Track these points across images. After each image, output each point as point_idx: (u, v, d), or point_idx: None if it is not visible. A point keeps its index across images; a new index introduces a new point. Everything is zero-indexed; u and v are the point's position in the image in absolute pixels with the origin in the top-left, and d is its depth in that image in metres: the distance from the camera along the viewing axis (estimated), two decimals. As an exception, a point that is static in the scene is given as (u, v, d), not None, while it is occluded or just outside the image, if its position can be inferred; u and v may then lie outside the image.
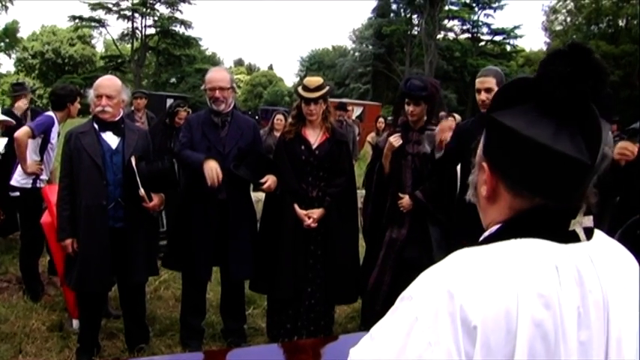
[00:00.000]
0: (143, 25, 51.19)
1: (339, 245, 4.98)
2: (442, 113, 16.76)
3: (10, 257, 6.84)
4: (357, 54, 55.77)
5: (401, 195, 4.91)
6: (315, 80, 4.99)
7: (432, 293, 1.11)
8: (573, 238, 1.20)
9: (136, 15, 50.43)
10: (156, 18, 51.27)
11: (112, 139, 4.62)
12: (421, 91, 4.79)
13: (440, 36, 46.91)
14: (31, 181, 5.99)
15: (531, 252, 1.14)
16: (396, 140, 4.90)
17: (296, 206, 4.88)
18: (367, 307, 5.24)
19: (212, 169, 4.61)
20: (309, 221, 4.85)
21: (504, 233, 1.21)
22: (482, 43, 50.42)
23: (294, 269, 4.89)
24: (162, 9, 50.93)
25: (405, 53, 48.83)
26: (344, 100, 25.46)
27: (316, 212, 4.89)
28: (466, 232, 1.54)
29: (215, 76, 4.94)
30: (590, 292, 1.15)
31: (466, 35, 50.15)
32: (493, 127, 1.22)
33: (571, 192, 1.16)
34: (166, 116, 8.07)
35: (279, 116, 9.36)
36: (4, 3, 42.03)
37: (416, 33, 47.72)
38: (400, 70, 45.34)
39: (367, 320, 5.07)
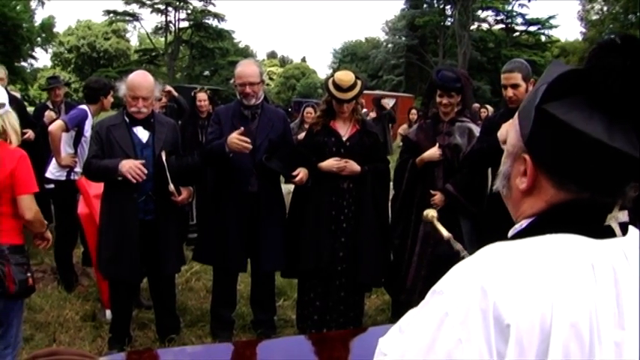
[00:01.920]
0: (176, 18, 51.57)
1: (369, 227, 4.94)
2: (475, 105, 16.69)
3: (45, 248, 6.94)
4: (389, 46, 55.50)
5: (432, 192, 4.85)
6: (347, 79, 4.84)
7: (464, 288, 1.09)
8: (609, 233, 1.16)
9: (170, 8, 50.77)
10: (189, 11, 51.58)
11: (142, 133, 4.67)
12: (454, 83, 4.73)
13: (473, 27, 46.45)
14: (65, 174, 6.08)
15: (567, 249, 1.12)
16: (436, 153, 4.88)
17: (326, 162, 4.88)
18: (398, 299, 5.22)
19: (234, 138, 4.57)
20: (341, 163, 4.84)
21: (538, 227, 1.18)
22: (517, 34, 49.81)
23: (318, 241, 4.87)
24: (196, 2, 51.27)
25: (438, 44, 48.49)
26: (377, 92, 25.38)
27: (351, 162, 4.86)
28: (497, 225, 1.52)
29: (245, 70, 4.94)
30: (625, 291, 1.12)
31: (500, 26, 49.58)
32: (544, 120, 1.16)
33: (619, 187, 1.14)
34: (191, 105, 8.18)
35: (309, 109, 9.37)
36: (40, -1, 42.56)
37: (449, 24, 47.30)
38: (433, 62, 44.96)
39: (397, 312, 5.05)
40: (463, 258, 1.21)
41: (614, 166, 1.10)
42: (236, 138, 4.55)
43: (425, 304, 1.16)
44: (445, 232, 2.41)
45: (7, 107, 3.59)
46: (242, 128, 4.59)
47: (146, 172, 4.44)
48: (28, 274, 3.62)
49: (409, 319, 1.21)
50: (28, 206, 3.56)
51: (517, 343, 1.02)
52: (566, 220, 1.15)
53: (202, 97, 8.07)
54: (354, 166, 4.86)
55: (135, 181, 4.40)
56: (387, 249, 5.16)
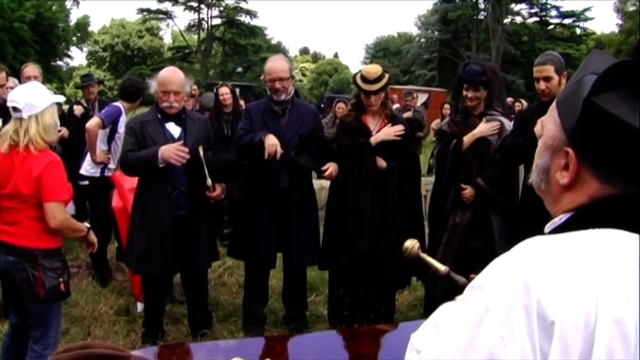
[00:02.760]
0: (209, 15, 51.80)
1: (397, 221, 4.91)
2: (509, 99, 16.50)
3: (80, 243, 7.04)
4: (422, 40, 55.20)
5: (463, 185, 4.82)
6: (374, 71, 4.88)
7: (506, 283, 1.05)
8: None
9: (202, 6, 51.03)
10: (221, 8, 51.77)
11: (174, 129, 4.71)
12: (480, 76, 4.69)
13: (507, 20, 45.93)
14: (99, 170, 6.16)
15: (611, 244, 1.09)
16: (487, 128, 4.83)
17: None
18: (430, 295, 5.19)
19: (272, 144, 4.59)
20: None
21: (579, 222, 1.15)
22: (551, 27, 49.10)
23: (364, 224, 4.84)
24: (228, -1, 51.44)
25: (471, 38, 48.06)
26: (409, 87, 25.23)
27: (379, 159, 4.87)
28: (531, 220, 1.48)
29: (274, 66, 4.95)
30: None
31: (534, 19, 48.90)
32: (592, 112, 1.12)
33: None
34: (215, 100, 8.24)
35: (341, 104, 9.37)
36: (75, -1, 43.12)
37: (482, 18, 46.84)
38: (467, 56, 44.53)
39: (430, 309, 5.02)
40: (464, 287, 1.17)
41: None
42: (274, 145, 4.59)
43: (463, 300, 1.13)
44: (441, 266, 2.30)
45: (35, 109, 3.57)
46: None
47: (187, 152, 4.47)
48: (61, 280, 3.61)
49: (445, 314, 1.18)
50: (53, 214, 3.53)
51: (561, 341, 0.99)
52: (609, 215, 1.12)
53: (224, 92, 8.08)
54: (379, 162, 4.85)
55: (180, 164, 4.45)
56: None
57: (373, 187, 4.87)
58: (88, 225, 3.74)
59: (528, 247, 1.11)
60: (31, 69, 6.28)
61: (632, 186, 1.10)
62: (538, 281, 1.02)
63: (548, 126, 1.24)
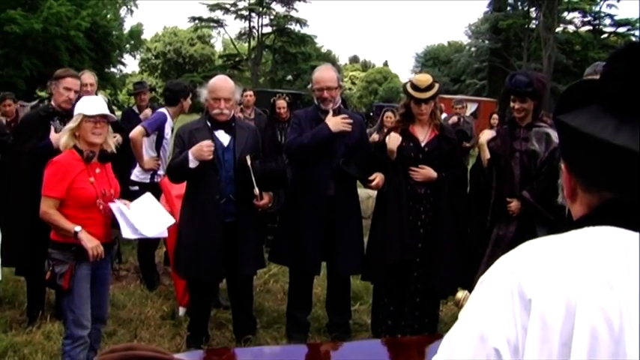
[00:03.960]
0: (260, 24, 52.13)
1: (446, 231, 4.91)
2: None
3: (129, 248, 7.18)
4: (472, 49, 54.67)
5: (509, 200, 4.76)
6: (425, 79, 4.90)
7: (498, 274, 1.19)
8: None
9: (253, 14, 51.39)
10: (272, 17, 52.08)
11: (223, 137, 4.77)
12: (527, 87, 4.63)
13: (559, 29, 45.12)
14: (149, 177, 6.26)
15: (599, 237, 1.17)
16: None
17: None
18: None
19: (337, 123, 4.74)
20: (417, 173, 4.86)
21: (579, 226, 1.23)
22: (605, 36, 48.04)
23: (401, 238, 4.84)
24: (278, 8, 51.68)
25: (522, 48, 47.36)
26: (458, 96, 25.05)
27: (427, 168, 4.88)
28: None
29: (322, 75, 4.99)
30: None
31: (587, 27, 47.90)
32: (561, 129, 1.28)
33: (634, 184, 1.16)
34: (271, 110, 8.31)
35: (389, 113, 9.35)
36: (129, 7, 43.89)
37: (534, 26, 46.11)
38: (517, 65, 43.96)
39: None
40: None
41: (622, 163, 1.15)
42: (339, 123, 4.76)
43: (471, 295, 1.26)
44: None
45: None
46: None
47: (212, 145, 4.56)
48: (51, 269, 3.88)
49: (463, 310, 1.29)
50: (40, 206, 3.90)
51: (539, 317, 1.09)
52: (603, 219, 1.19)
53: (282, 105, 8.17)
54: (430, 172, 4.85)
55: (210, 158, 4.54)
56: (465, 256, 5.09)
57: (400, 198, 4.89)
58: (78, 229, 3.82)
59: (522, 246, 1.23)
60: (87, 76, 6.42)
61: (604, 190, 1.20)
62: (521, 268, 1.16)
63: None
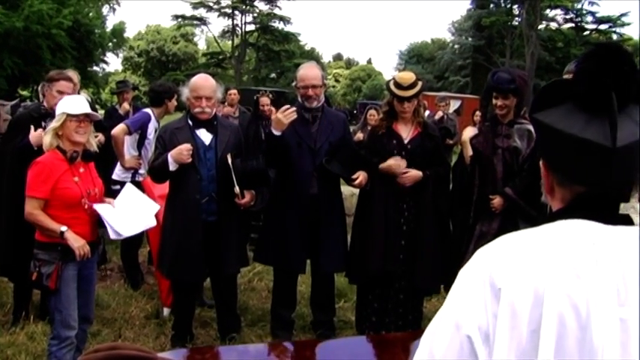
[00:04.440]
0: (243, 22, 52.04)
1: (429, 231, 4.93)
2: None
3: (113, 247, 7.15)
4: (456, 46, 54.83)
5: (491, 197, 4.78)
6: (407, 77, 4.92)
7: (473, 266, 1.26)
8: (625, 221, 1.26)
9: (236, 12, 51.29)
10: (255, 15, 51.99)
11: (205, 136, 4.77)
12: (509, 84, 4.65)
13: (542, 26, 45.31)
14: (130, 175, 6.23)
15: (569, 229, 1.23)
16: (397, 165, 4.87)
17: (388, 162, 4.88)
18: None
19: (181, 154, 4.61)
20: (402, 166, 4.84)
21: (553, 220, 1.29)
22: (587, 33, 48.23)
23: (386, 243, 4.87)
24: (262, 5, 51.59)
25: (505, 45, 47.52)
26: (442, 93, 25.11)
27: (412, 171, 4.86)
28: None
29: (307, 73, 5.00)
30: (633, 271, 1.17)
31: (569, 25, 48.11)
32: (537, 126, 1.35)
33: (603, 177, 1.23)
34: (254, 107, 8.31)
35: (372, 111, 9.37)
36: (112, 5, 43.65)
37: (516, 24, 46.34)
38: (500, 62, 44.10)
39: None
40: None
41: (589, 157, 1.22)
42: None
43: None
44: None
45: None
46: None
47: (191, 148, 4.56)
48: (36, 270, 3.85)
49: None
50: (25, 207, 3.88)
51: (508, 305, 1.15)
52: (576, 212, 1.26)
53: (265, 102, 8.16)
54: (416, 173, 4.86)
55: (189, 160, 4.54)
56: (448, 253, 5.12)
57: (397, 199, 4.92)
58: (64, 229, 3.81)
59: (498, 239, 1.30)
60: (70, 74, 6.38)
61: (576, 184, 1.27)
62: (492, 259, 1.23)
63: None
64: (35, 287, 4.07)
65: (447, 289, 5.43)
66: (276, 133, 4.77)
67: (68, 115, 3.91)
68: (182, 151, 4.51)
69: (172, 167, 4.55)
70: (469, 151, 4.91)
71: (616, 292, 1.15)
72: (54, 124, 3.94)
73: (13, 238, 4.79)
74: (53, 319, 3.98)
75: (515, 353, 1.14)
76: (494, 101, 4.78)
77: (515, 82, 4.64)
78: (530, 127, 4.79)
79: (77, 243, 3.83)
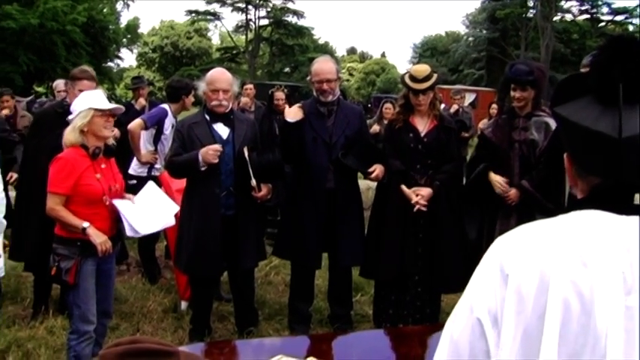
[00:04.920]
0: (257, 16, 52.07)
1: (447, 232, 4.92)
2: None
3: (130, 242, 7.16)
4: (470, 39, 54.59)
5: (504, 189, 4.76)
6: (422, 70, 4.90)
7: (489, 254, 1.31)
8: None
9: (250, 7, 51.33)
10: (269, 9, 52.01)
11: (222, 130, 4.77)
12: (527, 76, 4.61)
13: (556, 18, 44.99)
14: (146, 170, 6.26)
15: (580, 218, 1.27)
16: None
17: (403, 186, 4.85)
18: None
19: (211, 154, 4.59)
20: (417, 198, 4.79)
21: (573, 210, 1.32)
22: (603, 24, 47.90)
23: (401, 251, 4.88)
24: (275, 0, 51.66)
25: (520, 37, 47.27)
26: (457, 86, 25.01)
27: (424, 190, 4.81)
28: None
29: (322, 67, 4.98)
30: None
31: (585, 16, 47.76)
32: (557, 119, 1.39)
33: (614, 168, 1.26)
34: (269, 102, 8.31)
35: (388, 105, 9.34)
36: (125, 1, 43.82)
37: (531, 15, 46.04)
38: (515, 55, 43.84)
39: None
40: None
41: (600, 148, 1.25)
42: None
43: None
44: None
45: (73, 115, 3.94)
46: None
47: (219, 149, 4.55)
48: (56, 264, 3.83)
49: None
50: (47, 203, 3.86)
51: (516, 291, 1.20)
52: (591, 203, 1.29)
53: (280, 97, 8.16)
54: (427, 193, 4.83)
55: (216, 161, 4.53)
56: (465, 250, 5.11)
57: (400, 211, 4.91)
58: (86, 225, 3.81)
59: (514, 229, 1.34)
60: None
61: (591, 174, 1.31)
62: (503, 248, 1.28)
63: None
64: (54, 282, 4.06)
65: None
66: (290, 120, 4.76)
67: (95, 110, 3.88)
68: (209, 150, 4.51)
69: (203, 167, 4.55)
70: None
71: (622, 281, 1.17)
72: (80, 120, 3.87)
73: (42, 235, 4.81)
74: (72, 313, 3.97)
75: (521, 337, 1.18)
76: (511, 93, 4.74)
77: (533, 74, 4.61)
78: (548, 120, 4.76)
79: (99, 239, 3.83)
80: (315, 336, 4.59)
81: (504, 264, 1.24)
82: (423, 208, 4.81)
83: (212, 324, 5.13)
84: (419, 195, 4.80)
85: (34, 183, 5.05)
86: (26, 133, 7.16)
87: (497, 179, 4.76)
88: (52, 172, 3.86)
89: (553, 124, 4.73)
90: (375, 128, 8.93)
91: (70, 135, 3.89)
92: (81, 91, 4.83)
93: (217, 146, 4.54)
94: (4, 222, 3.22)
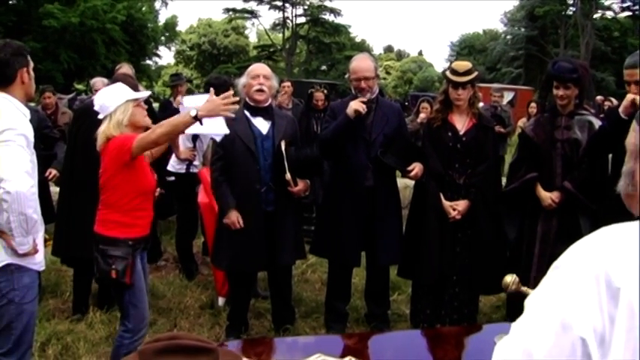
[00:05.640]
0: (294, 14, 52.13)
1: (485, 234, 4.87)
2: (599, 97, 16.01)
3: (168, 238, 7.25)
4: (508, 37, 54.08)
5: (543, 194, 4.71)
6: (464, 64, 4.91)
7: (579, 260, 1.17)
8: None
9: (287, 5, 51.42)
10: (306, 7, 52.06)
11: (262, 125, 4.77)
12: (571, 74, 4.54)
13: (597, 15, 44.36)
14: (184, 167, 6.30)
15: None
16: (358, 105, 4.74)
17: (442, 197, 4.82)
18: (514, 297, 5.08)
19: (355, 108, 4.66)
20: (454, 213, 4.78)
21: None
22: (645, 21, 47.13)
23: (440, 254, 4.84)
24: (312, -2, 51.67)
25: (559, 35, 46.69)
26: (495, 84, 24.80)
27: (461, 204, 4.79)
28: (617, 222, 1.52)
29: (360, 65, 4.95)
30: None
31: (626, 13, 46.88)
32: None
33: None
34: (307, 101, 8.30)
35: (425, 104, 9.28)
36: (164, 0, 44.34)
37: (571, 13, 45.45)
38: (554, 53, 43.28)
39: (513, 311, 4.92)
40: None
41: None
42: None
43: (543, 281, 1.24)
44: None
45: (108, 109, 3.75)
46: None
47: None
48: (113, 267, 3.68)
49: (529, 298, 1.27)
50: (141, 140, 3.61)
51: (627, 307, 1.07)
52: None
53: (319, 97, 8.14)
54: (463, 207, 4.81)
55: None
56: (505, 255, 5.05)
57: (457, 191, 4.87)
58: (194, 113, 3.58)
59: (601, 232, 1.21)
60: (126, 69, 6.45)
61: None
62: (606, 255, 1.13)
63: (630, 133, 1.32)
64: (113, 285, 3.95)
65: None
66: (350, 114, 4.73)
67: (133, 101, 3.80)
68: (232, 218, 4.61)
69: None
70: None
71: None
72: (122, 114, 3.74)
73: (84, 232, 4.80)
74: (128, 313, 3.87)
75: (632, 356, 1.07)
76: (554, 91, 4.66)
77: (577, 72, 4.54)
78: (591, 118, 4.68)
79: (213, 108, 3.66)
80: (351, 335, 4.58)
81: (613, 276, 1.10)
82: (458, 217, 4.79)
83: (249, 320, 5.13)
84: (456, 210, 4.79)
85: (75, 179, 5.10)
86: (67, 130, 7.27)
87: (546, 195, 4.70)
88: (117, 143, 3.66)
89: (597, 123, 4.65)
90: (419, 119, 8.79)
91: (114, 131, 3.71)
92: None
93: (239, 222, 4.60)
94: (35, 217, 3.22)
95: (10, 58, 3.29)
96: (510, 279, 2.42)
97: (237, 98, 3.73)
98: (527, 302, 1.26)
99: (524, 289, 2.41)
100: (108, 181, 3.75)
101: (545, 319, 1.16)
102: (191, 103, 3.96)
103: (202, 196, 5.65)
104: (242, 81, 4.85)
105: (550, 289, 1.19)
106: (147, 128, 3.82)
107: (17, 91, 3.34)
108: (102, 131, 3.73)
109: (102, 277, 3.78)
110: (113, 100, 3.77)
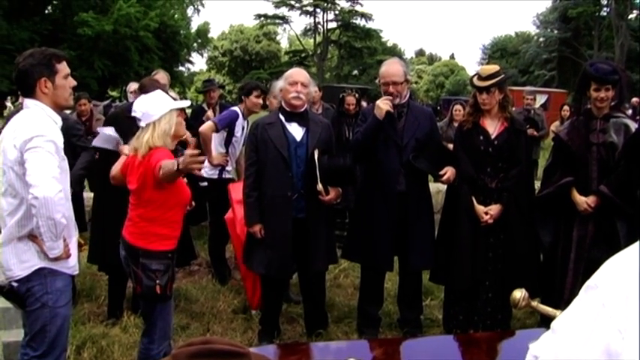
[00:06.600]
0: (325, 19, 52.38)
1: (519, 238, 4.82)
2: (635, 99, 15.75)
3: (200, 243, 7.29)
4: (541, 39, 53.66)
5: (578, 198, 4.67)
6: (488, 68, 4.89)
7: (621, 279, 1.06)
8: None
9: (318, 10, 51.64)
10: (337, 12, 52.22)
11: (296, 131, 4.78)
12: (611, 75, 4.47)
13: (632, 15, 43.73)
14: (217, 172, 6.34)
15: None
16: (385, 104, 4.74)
17: (474, 201, 4.79)
18: (548, 303, 5.02)
19: (383, 107, 4.69)
20: (486, 217, 4.75)
21: None
22: (681, 22, 46.40)
23: (473, 260, 4.81)
24: (343, 3, 51.84)
25: (592, 36, 46.19)
26: (527, 87, 24.58)
27: (494, 209, 4.76)
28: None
29: (389, 70, 4.95)
30: None
31: (662, 13, 46.35)
32: None
33: None
34: (339, 105, 8.30)
35: (458, 107, 9.24)
36: (196, 6, 44.76)
37: (605, 14, 44.91)
38: (588, 55, 42.82)
39: (547, 317, 4.84)
40: None
41: None
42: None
43: (578, 301, 1.14)
44: (555, 312, 2.25)
45: (152, 117, 3.67)
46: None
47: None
48: (158, 282, 3.65)
49: (561, 318, 1.18)
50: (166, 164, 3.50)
51: None
52: None
53: (351, 102, 8.12)
54: (496, 212, 4.78)
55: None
56: (538, 259, 5.00)
57: (489, 195, 4.83)
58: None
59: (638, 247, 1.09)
60: (161, 76, 6.48)
61: None
62: None
63: None
64: (151, 299, 3.81)
65: (545, 296, 5.17)
66: (378, 114, 4.73)
67: (176, 110, 3.75)
68: (255, 229, 4.72)
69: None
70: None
71: None
72: (167, 124, 3.67)
73: (118, 238, 4.81)
74: (154, 324, 3.84)
75: None
76: (593, 93, 4.58)
77: (617, 73, 4.46)
78: (627, 121, 4.60)
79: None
80: (384, 340, 4.56)
81: None
82: (490, 221, 4.76)
83: (281, 325, 5.15)
84: (488, 214, 4.76)
85: (110, 187, 5.14)
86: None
87: (582, 200, 4.64)
88: (154, 157, 3.58)
89: (633, 125, 4.57)
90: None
91: (158, 141, 3.63)
92: None
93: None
94: (64, 222, 3.25)
95: (29, 68, 3.28)
96: (519, 294, 2.34)
97: (202, 158, 3.57)
98: (557, 325, 1.18)
99: (534, 304, 2.35)
100: (147, 192, 3.68)
101: (586, 344, 1.07)
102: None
103: (229, 213, 5.64)
104: (279, 84, 4.88)
105: (588, 313, 1.09)
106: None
107: (43, 99, 3.36)
108: (145, 141, 3.63)
109: (145, 292, 3.72)
110: (157, 108, 3.69)
